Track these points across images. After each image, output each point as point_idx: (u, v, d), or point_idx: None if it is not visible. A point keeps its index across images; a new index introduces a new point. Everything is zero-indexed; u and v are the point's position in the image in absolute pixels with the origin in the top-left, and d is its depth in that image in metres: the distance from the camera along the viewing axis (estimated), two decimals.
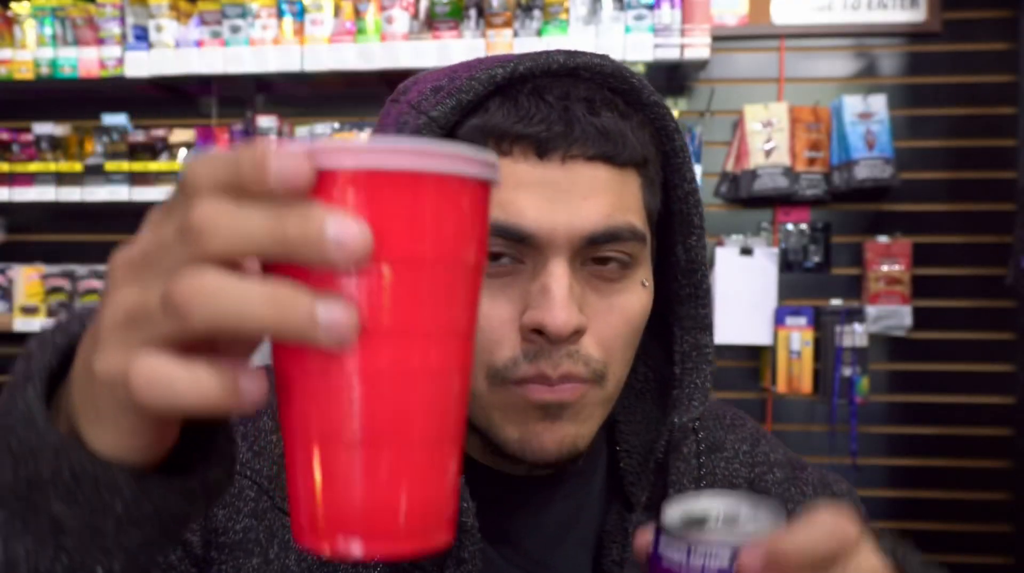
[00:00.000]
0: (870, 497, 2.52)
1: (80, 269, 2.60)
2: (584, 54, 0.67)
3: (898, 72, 2.52)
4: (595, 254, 0.64)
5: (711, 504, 0.48)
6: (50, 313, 2.57)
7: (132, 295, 0.34)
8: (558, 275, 0.62)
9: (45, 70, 2.51)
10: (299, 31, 2.44)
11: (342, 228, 0.32)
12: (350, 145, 0.32)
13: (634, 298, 0.65)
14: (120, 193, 2.51)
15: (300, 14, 2.45)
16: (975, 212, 2.47)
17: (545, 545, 0.70)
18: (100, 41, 2.50)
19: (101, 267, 2.60)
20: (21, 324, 2.57)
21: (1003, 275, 2.39)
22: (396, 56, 2.39)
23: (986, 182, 2.48)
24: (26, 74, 2.52)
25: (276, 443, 0.70)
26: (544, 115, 0.63)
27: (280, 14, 2.45)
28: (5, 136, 2.60)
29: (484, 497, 0.66)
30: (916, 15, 2.40)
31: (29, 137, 2.59)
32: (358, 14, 2.42)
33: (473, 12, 2.38)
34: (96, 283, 2.58)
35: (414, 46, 2.37)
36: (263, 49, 2.42)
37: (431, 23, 2.39)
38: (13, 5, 2.59)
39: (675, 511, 0.46)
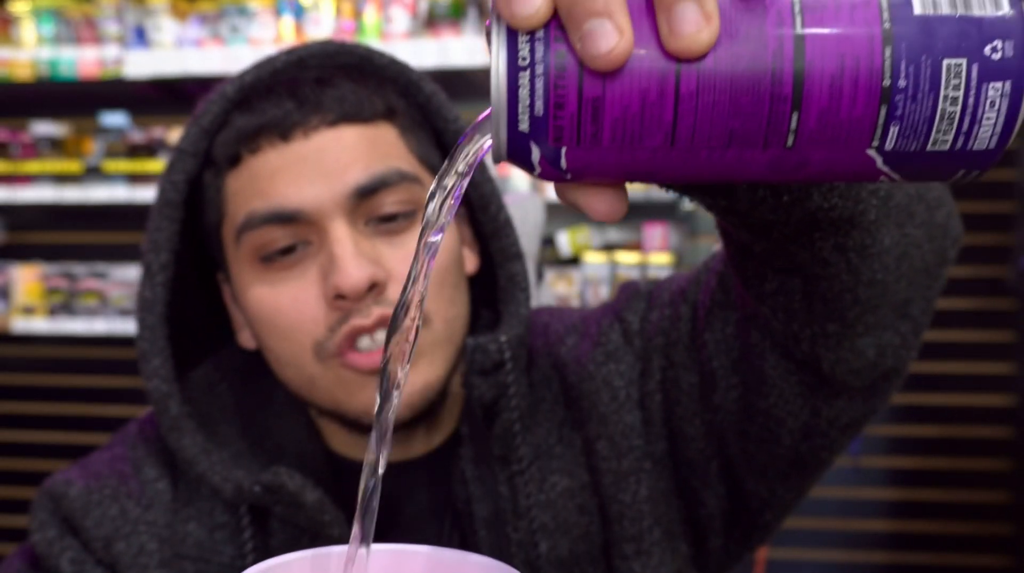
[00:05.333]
0: (870, 497, 2.52)
1: (79, 269, 2.60)
2: (306, 45, 0.70)
3: None
4: (377, 212, 0.65)
5: None
6: (50, 313, 2.57)
7: None
8: (338, 238, 0.63)
9: (44, 70, 2.51)
10: (298, 30, 2.44)
11: None
12: None
13: None
14: (119, 193, 2.51)
15: (299, 13, 2.44)
16: (975, 212, 2.46)
17: (420, 523, 0.71)
18: (99, 41, 2.50)
19: (100, 267, 2.60)
20: (20, 325, 2.56)
21: (1003, 275, 2.39)
22: (396, 55, 2.38)
23: (986, 182, 2.47)
24: (25, 74, 2.52)
25: (163, 491, 0.71)
26: (276, 102, 0.65)
27: (279, 13, 2.44)
28: (4, 136, 2.59)
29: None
30: None
31: (28, 137, 2.58)
32: (357, 13, 2.41)
33: (473, 11, 2.37)
34: (95, 283, 2.58)
35: (414, 45, 2.36)
36: (262, 49, 2.42)
37: (431, 22, 2.38)
38: (12, 4, 2.58)
39: None
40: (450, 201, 0.39)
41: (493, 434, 0.68)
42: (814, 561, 2.53)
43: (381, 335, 0.64)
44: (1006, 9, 0.33)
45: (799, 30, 0.32)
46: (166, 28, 2.46)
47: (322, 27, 2.42)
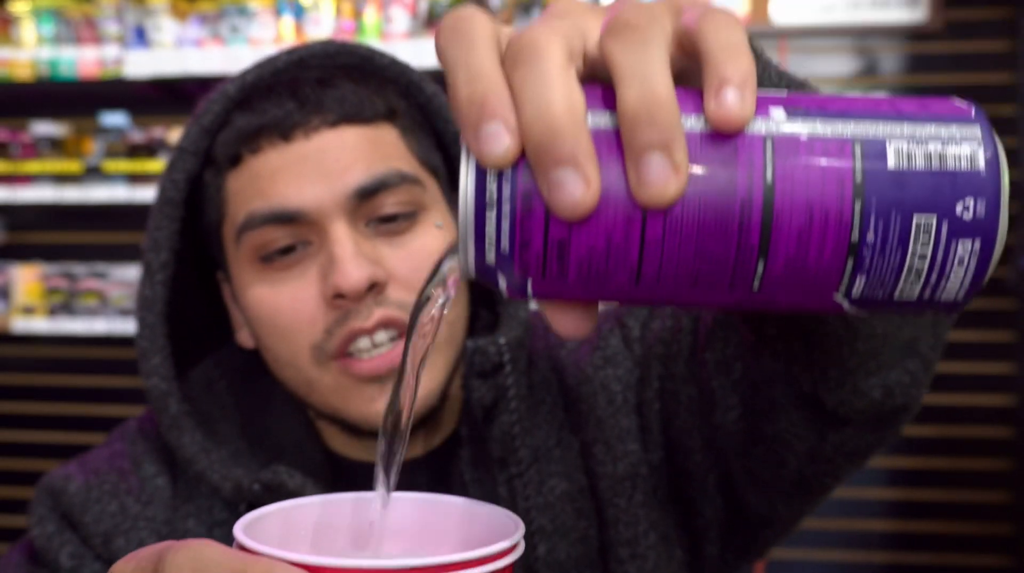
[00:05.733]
0: (870, 497, 2.52)
1: (79, 269, 2.60)
2: (307, 45, 0.70)
3: (899, 71, 2.52)
4: (377, 212, 0.65)
5: None
6: (50, 313, 2.57)
7: None
8: (338, 238, 0.63)
9: (44, 70, 2.51)
10: (298, 30, 2.44)
11: None
12: (365, 565, 0.34)
13: (429, 239, 0.67)
14: (119, 193, 2.50)
15: (299, 13, 2.44)
16: None
17: None
18: (99, 41, 2.50)
19: (100, 267, 2.60)
20: (20, 325, 2.56)
21: (1003, 275, 2.39)
22: (397, 56, 2.38)
23: None
24: (25, 74, 2.52)
25: (163, 487, 0.71)
26: (277, 102, 0.65)
27: (279, 13, 2.44)
28: (4, 136, 2.59)
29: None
30: (917, 14, 2.39)
31: (28, 137, 2.58)
32: (357, 13, 2.41)
33: None
34: (95, 283, 2.57)
35: (414, 45, 2.36)
36: (262, 49, 2.42)
37: (431, 22, 2.38)
38: (12, 4, 2.58)
39: None
40: (434, 313, 0.40)
41: (492, 436, 0.68)
42: (814, 561, 2.53)
43: (380, 336, 0.64)
44: (980, 166, 0.32)
45: (769, 179, 0.31)
46: (166, 28, 2.46)
47: (322, 27, 2.42)
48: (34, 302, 2.59)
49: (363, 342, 0.64)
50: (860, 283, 0.33)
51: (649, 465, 0.69)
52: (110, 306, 2.55)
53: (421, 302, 0.40)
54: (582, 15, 0.34)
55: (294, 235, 0.65)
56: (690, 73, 0.34)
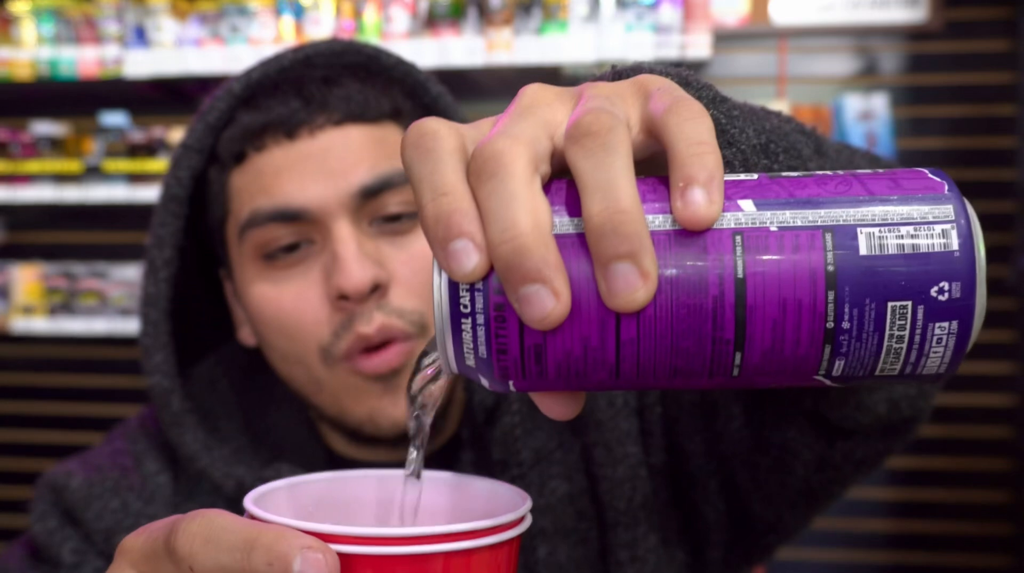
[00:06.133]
0: (870, 497, 2.52)
1: (79, 269, 2.60)
2: (313, 44, 0.70)
3: (899, 71, 2.52)
4: (381, 212, 0.65)
5: None
6: (50, 313, 2.57)
7: None
8: (342, 237, 0.63)
9: (44, 69, 2.51)
10: (298, 30, 2.44)
11: None
12: (372, 533, 0.34)
13: None
14: (119, 193, 2.50)
15: (299, 13, 2.44)
16: (975, 212, 2.46)
17: None
18: (99, 40, 2.50)
19: (100, 267, 2.60)
20: (20, 324, 2.56)
21: (1003, 275, 2.39)
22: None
23: (986, 182, 2.47)
24: (25, 73, 2.52)
25: (164, 485, 0.71)
26: (282, 100, 0.65)
27: (279, 13, 2.44)
28: (4, 136, 2.59)
29: None
30: (917, 14, 2.39)
31: (28, 137, 2.58)
32: (357, 13, 2.41)
33: (473, 11, 2.37)
34: (95, 283, 2.57)
35: (414, 45, 2.36)
36: (262, 48, 2.42)
37: (431, 22, 2.38)
38: (12, 4, 2.58)
39: None
40: (432, 389, 0.41)
41: (494, 438, 0.68)
42: (814, 561, 2.53)
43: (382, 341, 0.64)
44: (954, 247, 0.32)
45: (740, 274, 0.31)
46: (166, 28, 2.46)
47: (322, 27, 2.42)
48: (34, 302, 2.59)
49: (368, 357, 0.64)
50: (839, 365, 0.33)
51: (650, 468, 0.69)
52: (110, 306, 2.55)
53: (415, 393, 0.41)
54: (550, 106, 0.34)
55: (297, 233, 0.65)
56: (659, 157, 0.34)
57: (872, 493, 2.51)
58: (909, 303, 0.31)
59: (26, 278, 2.60)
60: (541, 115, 0.34)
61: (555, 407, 0.36)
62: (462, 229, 0.31)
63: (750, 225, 0.32)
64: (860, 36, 2.49)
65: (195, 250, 0.73)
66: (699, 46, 2.27)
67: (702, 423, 0.66)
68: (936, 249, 0.32)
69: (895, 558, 2.54)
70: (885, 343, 0.32)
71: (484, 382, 0.34)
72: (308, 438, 0.72)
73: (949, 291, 0.31)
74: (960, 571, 2.50)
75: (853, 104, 2.40)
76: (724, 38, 2.47)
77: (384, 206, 0.65)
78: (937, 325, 0.32)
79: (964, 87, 2.47)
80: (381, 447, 0.69)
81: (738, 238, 0.32)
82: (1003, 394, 2.46)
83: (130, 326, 2.50)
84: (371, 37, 2.39)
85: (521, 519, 0.38)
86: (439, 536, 0.34)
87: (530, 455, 0.68)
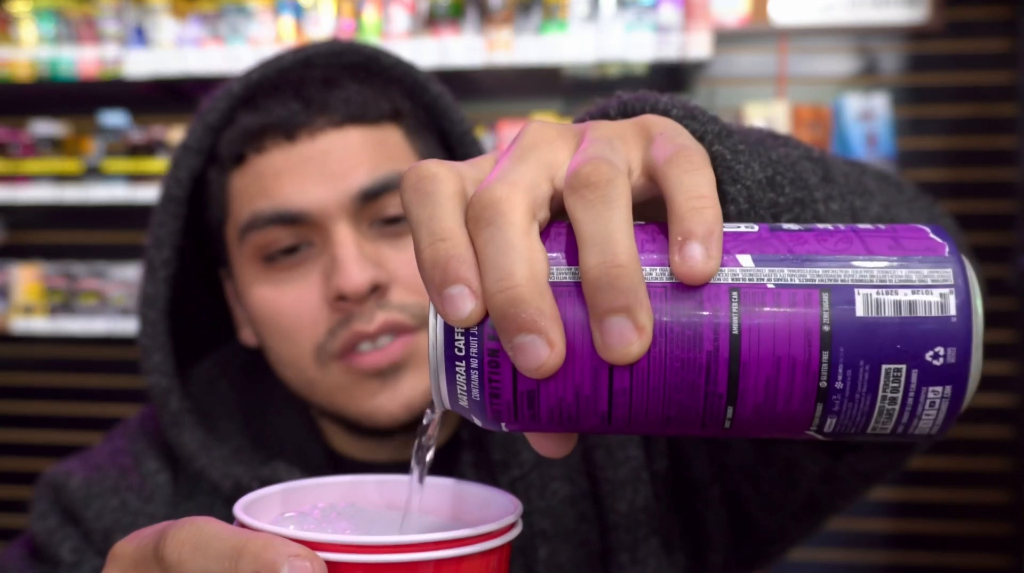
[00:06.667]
0: (870, 497, 2.51)
1: (79, 269, 2.60)
2: (313, 44, 0.70)
3: (899, 71, 2.52)
4: (380, 214, 0.65)
5: None
6: (50, 313, 2.57)
7: None
8: (341, 240, 0.63)
9: (44, 69, 2.50)
10: (298, 30, 2.44)
11: None
12: (360, 541, 0.34)
13: None
14: (119, 193, 2.50)
15: (299, 13, 2.44)
16: (975, 212, 2.46)
17: None
18: (99, 40, 2.50)
19: (100, 267, 2.60)
20: (20, 324, 2.56)
21: (1003, 275, 2.39)
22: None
23: (986, 182, 2.47)
24: (25, 73, 2.52)
25: (164, 484, 0.71)
26: (282, 102, 0.65)
27: (279, 13, 2.44)
28: (4, 136, 2.59)
29: None
30: (917, 13, 2.39)
31: (28, 137, 2.58)
32: (357, 13, 2.41)
33: (473, 11, 2.37)
34: (95, 283, 2.57)
35: (414, 45, 2.36)
36: (262, 48, 2.41)
37: (431, 22, 2.38)
38: (12, 4, 2.58)
39: None
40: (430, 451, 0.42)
41: (494, 439, 0.68)
42: (814, 561, 2.53)
43: (383, 341, 0.64)
44: (951, 312, 0.31)
45: (735, 330, 0.31)
46: (166, 28, 2.46)
47: (322, 27, 2.42)
48: (34, 302, 2.59)
49: (365, 345, 0.64)
50: (831, 422, 0.33)
51: (652, 473, 0.69)
52: (110, 306, 2.55)
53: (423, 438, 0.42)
54: (551, 145, 0.34)
55: (297, 236, 0.65)
56: (660, 199, 0.34)
57: (872, 493, 2.51)
58: (904, 366, 0.31)
59: (26, 278, 2.60)
60: (542, 157, 0.34)
61: (547, 446, 0.36)
62: (459, 275, 0.31)
63: (747, 281, 0.32)
64: (860, 36, 2.49)
65: (194, 251, 0.73)
66: (699, 46, 2.27)
67: None
68: (933, 313, 0.31)
69: (895, 558, 2.54)
70: (878, 404, 0.32)
71: (476, 421, 0.35)
72: (308, 438, 0.72)
73: (944, 356, 0.31)
74: (960, 571, 2.50)
75: (853, 104, 2.40)
76: (724, 38, 2.47)
77: (384, 208, 0.65)
78: (931, 389, 0.32)
79: (964, 87, 2.47)
80: (382, 442, 0.69)
81: (735, 294, 0.32)
82: (1003, 394, 2.46)
83: (130, 326, 2.50)
84: (371, 37, 2.39)
85: (511, 526, 0.38)
86: (428, 544, 0.34)
87: (531, 456, 0.68)
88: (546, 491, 0.68)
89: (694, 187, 0.32)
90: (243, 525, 0.36)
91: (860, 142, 2.38)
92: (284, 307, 0.65)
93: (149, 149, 2.52)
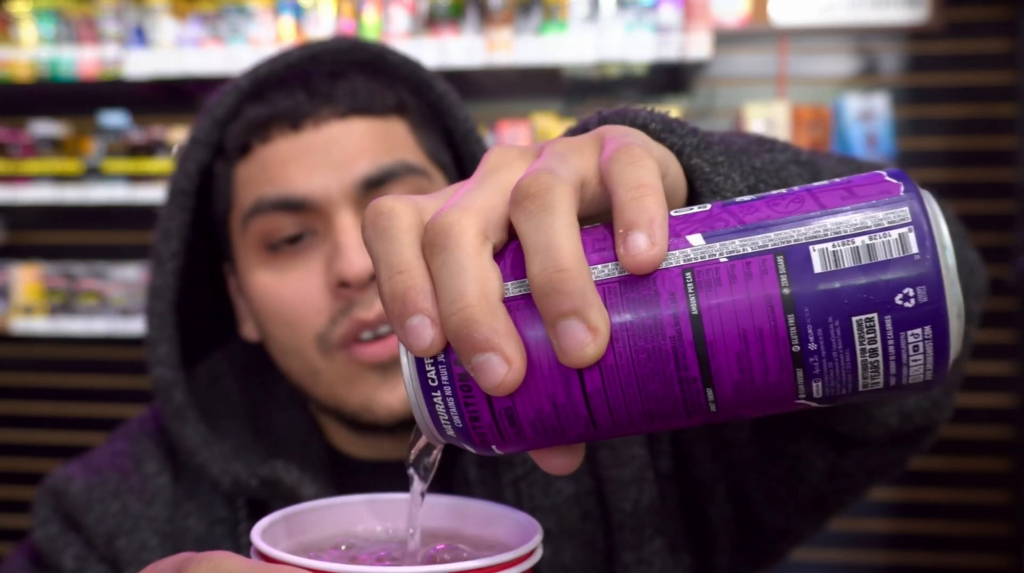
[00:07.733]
0: (870, 497, 2.51)
1: (79, 269, 2.60)
2: (321, 41, 0.71)
3: (899, 71, 2.52)
4: None
5: None
6: (50, 313, 2.57)
7: None
8: (344, 226, 0.64)
9: (44, 70, 2.51)
10: (298, 30, 2.44)
11: None
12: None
13: None
14: (118, 193, 2.50)
15: (299, 13, 2.44)
16: (975, 212, 2.46)
17: None
18: (99, 40, 2.50)
19: (100, 267, 2.60)
20: (20, 324, 2.56)
21: (1003, 275, 2.39)
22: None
23: (986, 182, 2.47)
24: (25, 74, 2.52)
25: (164, 486, 0.70)
26: (288, 93, 0.66)
27: (279, 13, 2.44)
28: (4, 136, 2.59)
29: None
30: (917, 14, 2.39)
31: (28, 137, 2.58)
32: (357, 13, 2.41)
33: (473, 11, 2.37)
34: (95, 283, 2.57)
35: (414, 45, 2.36)
36: (262, 48, 2.42)
37: (431, 22, 2.38)
38: (12, 4, 2.58)
39: None
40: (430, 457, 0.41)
41: None
42: (814, 561, 2.53)
43: (384, 329, 0.64)
44: (913, 249, 0.30)
45: (695, 311, 0.31)
46: (166, 28, 2.46)
47: (322, 27, 2.42)
48: (34, 302, 2.59)
49: (365, 334, 0.64)
50: (818, 386, 0.32)
51: (656, 472, 0.68)
52: (110, 306, 2.55)
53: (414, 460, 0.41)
54: (510, 167, 0.35)
55: (301, 223, 0.65)
56: None
57: (872, 493, 2.50)
58: (875, 315, 0.30)
59: (26, 278, 2.60)
60: (500, 179, 0.34)
61: (554, 463, 0.36)
62: (417, 306, 0.32)
63: (699, 260, 0.31)
64: (860, 36, 2.49)
65: (200, 247, 0.73)
66: (699, 46, 2.27)
67: (710, 430, 0.66)
68: (894, 254, 0.30)
69: (895, 558, 2.54)
70: (859, 358, 0.31)
71: (470, 449, 0.35)
72: (310, 435, 0.72)
73: (915, 296, 0.30)
74: (960, 571, 2.50)
75: (853, 104, 2.40)
76: (724, 38, 2.47)
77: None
78: (910, 333, 0.30)
79: (964, 87, 2.47)
80: (381, 438, 0.69)
81: (688, 275, 0.31)
82: (1003, 394, 2.46)
83: (130, 326, 2.50)
84: (371, 37, 2.39)
85: (531, 553, 0.37)
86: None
87: None
88: (550, 490, 0.68)
89: (633, 178, 0.32)
90: (261, 553, 0.36)
91: (860, 142, 2.38)
92: (286, 294, 0.65)
93: (149, 149, 2.52)
